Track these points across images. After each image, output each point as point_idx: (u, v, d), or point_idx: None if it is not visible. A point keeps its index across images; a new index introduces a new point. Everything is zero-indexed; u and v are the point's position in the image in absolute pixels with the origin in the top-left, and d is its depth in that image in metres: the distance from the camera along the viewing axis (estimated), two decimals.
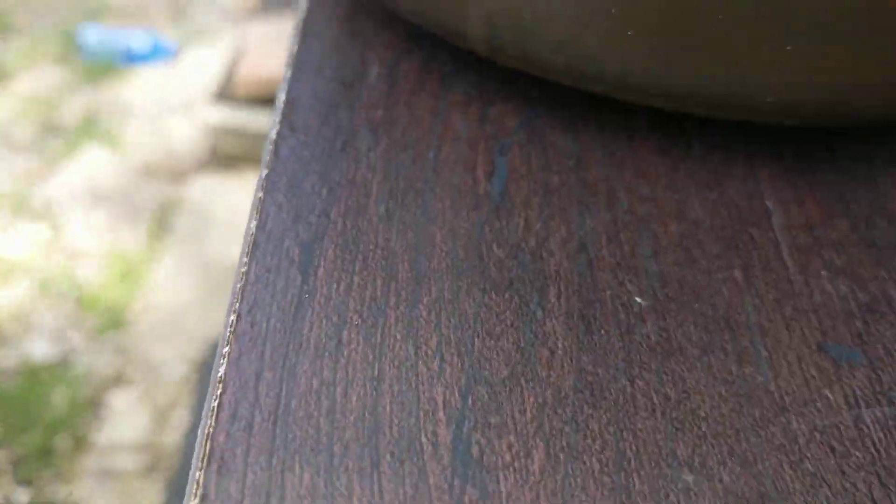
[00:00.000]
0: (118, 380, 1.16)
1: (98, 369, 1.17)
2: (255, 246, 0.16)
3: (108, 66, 1.60)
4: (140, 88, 1.58)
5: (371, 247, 0.16)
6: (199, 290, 1.29)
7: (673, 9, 0.17)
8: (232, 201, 1.39)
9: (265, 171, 0.18)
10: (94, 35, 1.63)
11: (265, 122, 1.38)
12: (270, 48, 1.41)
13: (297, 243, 0.16)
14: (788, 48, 0.18)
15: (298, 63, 0.22)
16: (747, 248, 0.18)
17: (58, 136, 1.50)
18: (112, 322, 1.23)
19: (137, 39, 1.63)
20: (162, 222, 1.37)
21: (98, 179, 1.43)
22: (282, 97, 0.21)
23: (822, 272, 0.18)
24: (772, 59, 0.18)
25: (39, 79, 1.60)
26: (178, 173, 1.45)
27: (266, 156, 0.18)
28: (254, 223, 0.16)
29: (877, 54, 0.18)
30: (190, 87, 1.59)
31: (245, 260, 0.16)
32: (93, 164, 1.46)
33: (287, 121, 0.19)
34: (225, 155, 1.45)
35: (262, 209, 0.17)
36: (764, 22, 0.17)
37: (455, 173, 0.18)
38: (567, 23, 0.18)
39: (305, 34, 0.23)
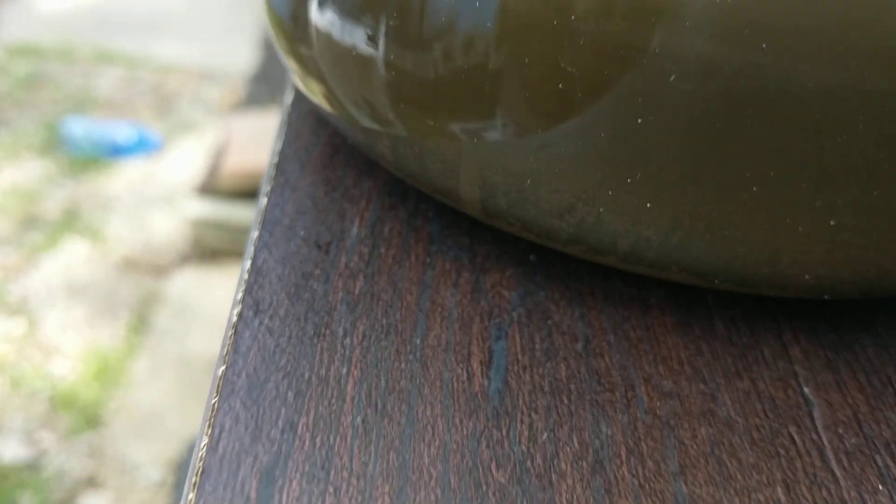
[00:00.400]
0: (90, 483, 1.11)
1: (70, 472, 1.12)
2: (205, 475, 0.13)
3: (93, 158, 1.59)
4: (124, 181, 1.57)
5: (345, 474, 0.13)
6: (178, 388, 1.25)
7: (698, 178, 0.15)
8: (214, 296, 1.36)
9: (221, 368, 0.15)
10: (79, 128, 1.62)
11: (248, 215, 1.36)
12: (254, 142, 1.41)
13: (256, 472, 0.13)
14: (832, 223, 0.15)
15: (268, 221, 0.19)
16: (789, 455, 0.15)
17: (38, 229, 1.47)
18: (86, 422, 1.18)
19: (122, 132, 1.62)
20: (141, 318, 1.34)
21: (77, 274, 1.40)
22: (246, 264, 0.18)
23: (879, 486, 0.15)
24: (811, 234, 0.16)
25: (22, 171, 1.58)
26: (159, 267, 1.42)
27: (224, 345, 0.15)
28: (204, 441, 0.14)
29: None
30: (174, 180, 1.57)
31: (191, 497, 0.13)
32: (72, 258, 1.43)
33: (251, 297, 0.17)
34: (207, 248, 1.42)
35: (214, 422, 0.14)
36: (804, 193, 0.15)
37: (445, 366, 0.16)
38: (574, 190, 0.16)
39: (277, 183, 0.21)
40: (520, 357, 0.16)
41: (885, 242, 0.16)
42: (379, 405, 0.15)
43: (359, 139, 0.20)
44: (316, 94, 0.20)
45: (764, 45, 0.13)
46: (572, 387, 0.16)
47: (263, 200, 0.20)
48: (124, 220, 1.50)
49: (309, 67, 0.19)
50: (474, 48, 0.15)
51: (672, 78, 0.14)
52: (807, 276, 0.16)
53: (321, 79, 0.19)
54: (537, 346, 0.17)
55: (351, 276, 0.18)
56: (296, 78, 0.21)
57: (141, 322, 1.32)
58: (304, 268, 0.18)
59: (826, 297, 0.17)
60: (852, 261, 0.16)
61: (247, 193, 1.38)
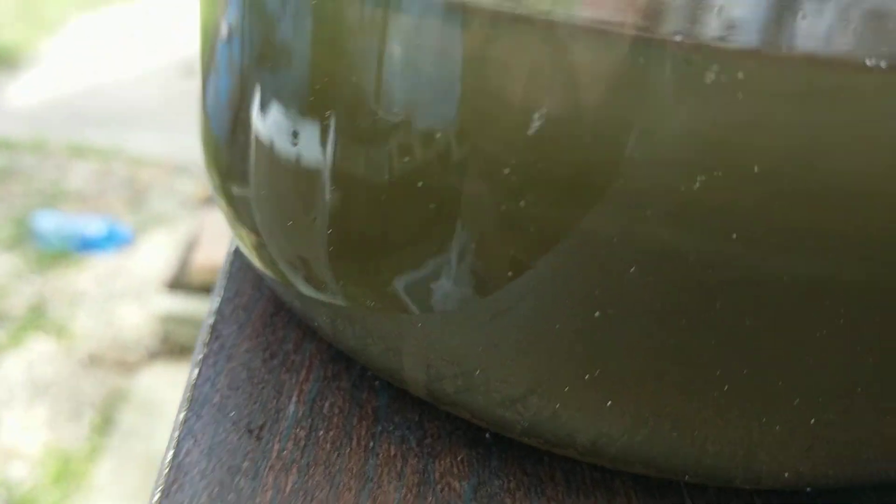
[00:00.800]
0: None
1: None
2: None
3: (62, 253, 1.57)
4: (93, 276, 1.54)
5: None
6: (143, 490, 1.20)
7: (663, 376, 0.14)
8: (181, 393, 1.32)
9: None
10: (48, 222, 1.60)
11: None
12: (227, 235, 1.39)
13: None
14: (812, 421, 0.14)
15: (196, 399, 0.17)
16: None
17: (2, 326, 1.44)
18: None
19: (93, 226, 1.60)
20: (106, 417, 1.29)
21: (41, 372, 1.36)
22: (168, 454, 0.16)
23: None
24: (790, 433, 0.14)
25: None
26: (126, 364, 1.39)
27: None
28: None
29: None
30: (144, 274, 1.55)
31: None
32: (36, 356, 1.39)
33: (168, 502, 0.15)
34: (177, 345, 1.39)
35: None
36: (781, 391, 0.13)
37: None
38: (527, 382, 0.14)
39: (211, 350, 0.19)
40: None
41: (868, 435, 0.14)
42: None
43: (296, 306, 0.18)
44: (248, 247, 0.19)
45: (734, 235, 0.12)
46: None
47: (195, 372, 0.18)
48: (91, 315, 1.46)
49: (241, 213, 0.18)
50: (425, 231, 0.14)
51: (632, 269, 0.13)
52: (786, 474, 0.15)
53: (254, 229, 0.18)
54: None
55: (283, 468, 0.16)
56: (230, 226, 0.20)
57: (105, 421, 1.28)
58: (231, 460, 0.16)
59: (807, 489, 0.16)
60: (834, 456, 0.15)
61: None
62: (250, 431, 0.17)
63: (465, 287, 0.14)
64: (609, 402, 0.14)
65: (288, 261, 0.17)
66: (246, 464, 0.16)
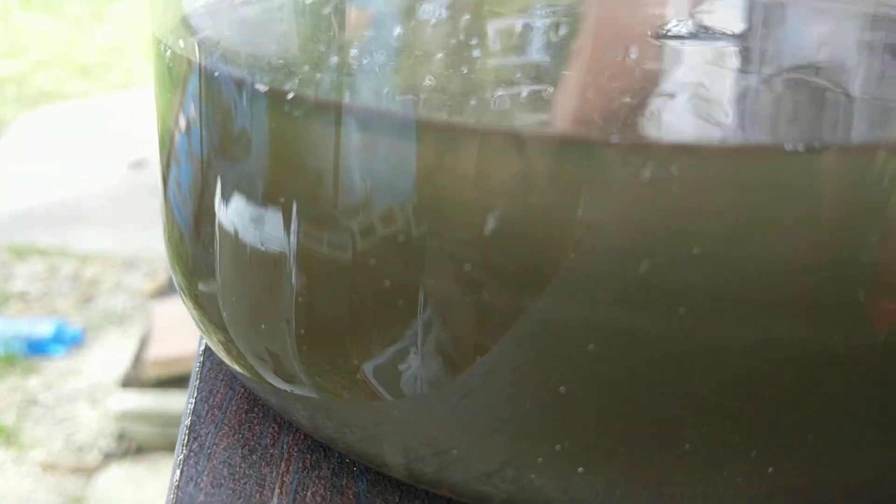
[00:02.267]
0: None
1: None
2: None
3: (9, 358, 1.53)
4: (43, 380, 1.50)
5: None
6: None
7: (629, 442, 0.15)
8: (143, 495, 1.28)
9: None
10: None
11: (177, 404, 1.31)
12: (179, 326, 1.38)
13: None
14: (770, 470, 0.15)
15: (179, 500, 0.18)
16: None
17: None
18: None
19: (41, 328, 1.57)
20: None
21: None
22: None
23: None
24: (750, 483, 0.15)
25: None
26: (82, 469, 1.34)
27: None
28: None
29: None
30: (96, 373, 1.52)
31: None
32: None
33: None
34: (134, 444, 1.36)
35: None
36: (738, 446, 0.15)
37: None
38: (502, 458, 0.15)
39: (191, 451, 0.19)
40: None
41: (824, 478, 0.16)
42: None
43: (271, 401, 0.19)
44: (217, 344, 0.19)
45: (681, 311, 0.13)
46: None
47: (176, 473, 0.19)
48: (43, 420, 1.42)
49: (208, 310, 0.19)
50: (393, 323, 0.15)
51: (591, 347, 0.14)
52: None
53: (222, 326, 0.18)
54: None
55: None
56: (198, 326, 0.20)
57: None
58: None
59: None
60: (794, 499, 0.16)
61: (174, 381, 1.33)
62: None
63: (434, 372, 0.15)
64: (580, 469, 0.15)
65: (258, 356, 0.18)
66: None
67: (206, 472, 0.19)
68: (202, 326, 0.20)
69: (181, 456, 0.19)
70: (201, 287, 0.19)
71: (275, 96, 0.15)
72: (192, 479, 0.19)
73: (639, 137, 0.12)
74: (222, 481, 0.19)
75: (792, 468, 0.15)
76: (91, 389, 1.48)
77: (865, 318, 0.13)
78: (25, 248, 1.92)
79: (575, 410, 0.14)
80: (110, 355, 1.56)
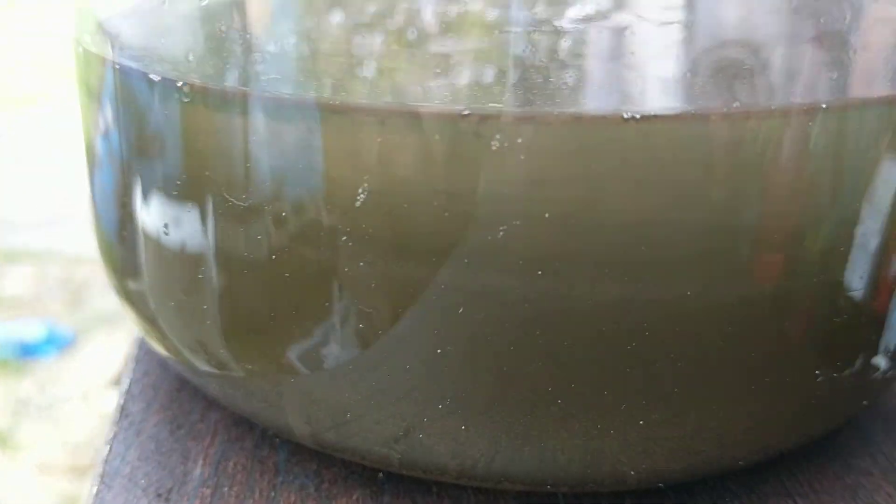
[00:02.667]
0: None
1: None
2: None
3: (1, 362, 1.54)
4: (35, 382, 1.51)
5: None
6: None
7: (504, 399, 0.16)
8: None
9: None
10: None
11: None
12: None
13: None
14: (641, 422, 0.16)
15: (107, 473, 0.19)
16: None
17: None
18: None
19: (31, 331, 1.58)
20: None
21: None
22: None
23: None
24: (624, 436, 0.16)
25: None
26: (78, 469, 1.35)
27: None
28: None
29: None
30: (89, 374, 1.53)
31: None
32: None
33: None
34: None
35: None
36: (608, 400, 0.16)
37: None
38: (394, 420, 0.16)
39: (121, 428, 0.20)
40: None
41: (695, 430, 0.16)
42: None
43: (196, 381, 0.20)
44: (146, 333, 0.20)
45: (539, 272, 0.14)
46: None
47: (105, 450, 0.20)
48: (37, 423, 1.43)
49: (136, 302, 0.20)
50: (278, 294, 0.16)
51: (461, 310, 0.15)
52: (633, 473, 0.17)
53: (149, 317, 0.19)
54: None
55: None
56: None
57: None
58: None
59: (660, 485, 0.18)
60: (670, 452, 0.17)
61: None
62: (159, 495, 0.18)
63: (326, 344, 0.16)
64: (463, 427, 0.16)
65: (185, 344, 0.19)
66: None
67: (133, 448, 0.20)
68: (130, 314, 0.21)
69: (112, 434, 0.20)
70: (129, 282, 0.20)
71: (167, 87, 0.16)
72: (119, 454, 0.20)
73: (486, 109, 0.13)
74: (149, 455, 0.20)
75: (661, 420, 0.16)
76: (84, 390, 1.49)
77: (711, 276, 0.14)
78: (15, 251, 1.92)
79: (452, 370, 0.15)
80: (102, 356, 1.57)
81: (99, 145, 0.19)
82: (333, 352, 0.16)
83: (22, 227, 2.02)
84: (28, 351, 1.55)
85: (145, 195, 0.18)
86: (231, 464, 0.19)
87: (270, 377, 0.17)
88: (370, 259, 0.15)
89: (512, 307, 0.14)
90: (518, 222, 0.14)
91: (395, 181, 0.14)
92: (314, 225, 0.15)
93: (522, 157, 0.13)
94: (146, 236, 0.18)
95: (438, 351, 0.15)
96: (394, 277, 0.15)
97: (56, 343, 1.58)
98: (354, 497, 0.18)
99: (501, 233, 0.14)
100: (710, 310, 0.15)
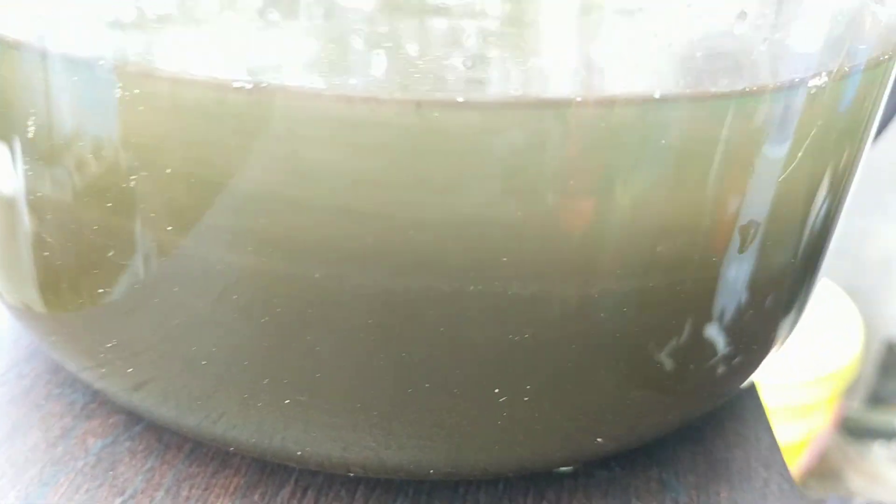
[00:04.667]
0: None
1: None
2: None
3: None
4: None
5: None
6: None
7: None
8: None
9: None
10: None
11: None
12: None
13: None
14: (505, 414, 0.15)
15: None
16: None
17: None
18: None
19: None
20: None
21: None
22: None
23: None
24: (489, 418, 0.15)
25: None
26: None
27: None
28: None
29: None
30: None
31: None
32: None
33: None
34: None
35: None
36: (474, 387, 0.15)
37: None
38: (190, 393, 0.15)
39: None
40: None
41: (558, 414, 0.15)
42: None
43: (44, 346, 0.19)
44: None
45: (332, 257, 0.13)
46: None
47: None
48: None
49: None
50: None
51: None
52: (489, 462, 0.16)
53: None
54: None
55: None
56: None
57: None
58: None
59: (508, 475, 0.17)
60: (518, 444, 0.16)
61: None
62: None
63: (124, 308, 0.15)
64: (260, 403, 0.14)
65: (18, 298, 0.17)
66: None
67: None
68: None
69: None
70: None
71: None
72: None
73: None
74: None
75: (515, 416, 0.15)
76: None
77: (532, 272, 0.13)
78: None
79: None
80: None
81: None
82: (134, 318, 0.15)
83: None
84: None
85: None
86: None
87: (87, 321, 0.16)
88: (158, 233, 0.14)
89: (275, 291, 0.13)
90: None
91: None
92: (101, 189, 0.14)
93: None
94: None
95: (265, 319, 0.14)
96: (178, 255, 0.14)
97: None
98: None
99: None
100: (566, 308, 0.14)
